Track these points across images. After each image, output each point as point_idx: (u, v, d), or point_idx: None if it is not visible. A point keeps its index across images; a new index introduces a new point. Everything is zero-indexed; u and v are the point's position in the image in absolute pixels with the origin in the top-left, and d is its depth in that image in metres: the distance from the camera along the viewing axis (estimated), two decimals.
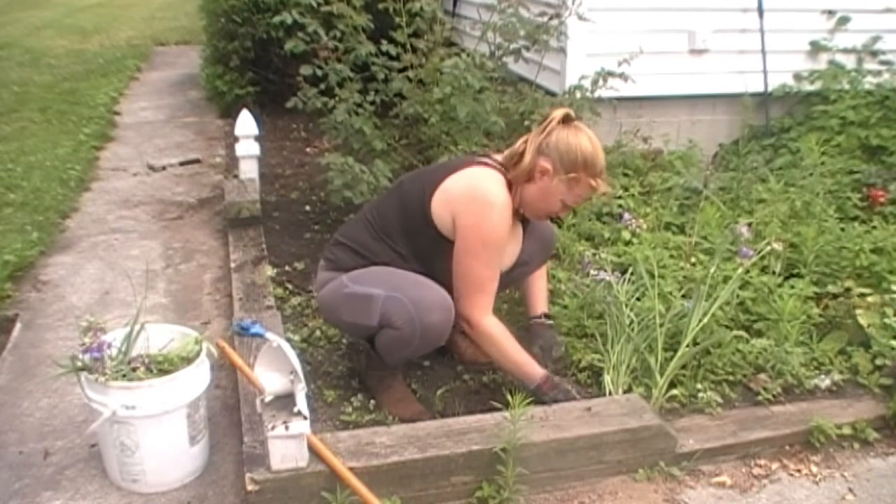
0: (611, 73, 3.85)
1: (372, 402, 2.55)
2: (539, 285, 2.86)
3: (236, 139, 4.23)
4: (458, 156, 3.39)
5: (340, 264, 2.51)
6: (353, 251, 2.50)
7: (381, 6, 3.84)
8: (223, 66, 6.14)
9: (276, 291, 3.20)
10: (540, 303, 2.84)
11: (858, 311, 2.88)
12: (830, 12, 4.82)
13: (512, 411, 2.11)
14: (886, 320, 2.81)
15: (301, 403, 2.03)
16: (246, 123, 4.14)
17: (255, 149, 4.23)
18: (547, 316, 2.84)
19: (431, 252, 2.44)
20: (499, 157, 2.52)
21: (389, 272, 2.43)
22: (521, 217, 2.55)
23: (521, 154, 2.43)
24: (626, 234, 3.57)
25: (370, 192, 3.50)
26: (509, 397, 2.12)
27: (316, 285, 2.60)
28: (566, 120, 2.43)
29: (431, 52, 3.83)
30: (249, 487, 2.00)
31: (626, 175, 4.14)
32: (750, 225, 3.23)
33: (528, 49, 3.87)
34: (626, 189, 4.01)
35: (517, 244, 2.59)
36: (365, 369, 2.63)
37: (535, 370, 2.47)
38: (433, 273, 2.40)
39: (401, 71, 3.83)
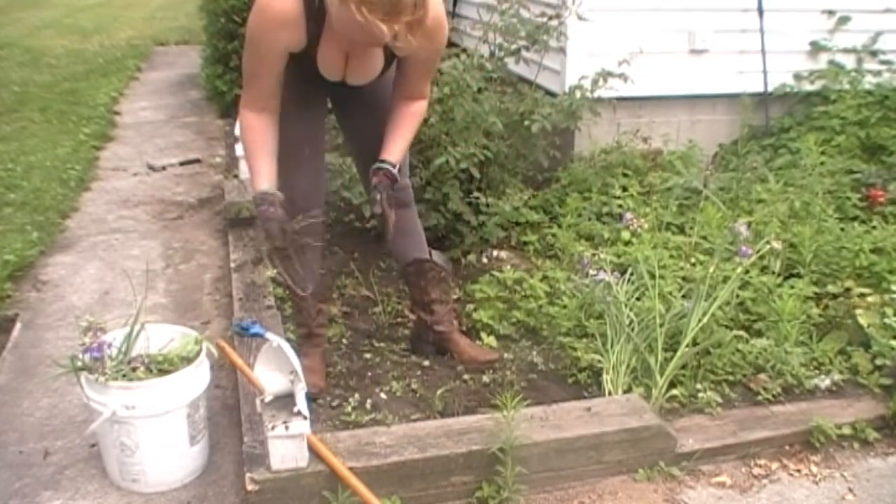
0: (611, 73, 3.84)
1: (370, 401, 2.55)
2: (394, 133, 2.42)
3: (236, 139, 4.22)
4: None
5: None
6: None
7: None
8: (223, 66, 6.14)
9: (276, 291, 3.20)
10: (387, 148, 2.42)
11: (858, 311, 2.88)
12: (830, 12, 4.82)
13: (505, 413, 2.12)
14: (886, 320, 2.81)
15: (301, 403, 2.03)
16: None
17: None
18: (392, 166, 2.39)
19: None
20: None
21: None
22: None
23: None
24: (625, 235, 3.57)
25: None
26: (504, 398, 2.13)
27: None
28: None
29: None
30: (249, 487, 2.00)
31: (625, 175, 4.14)
32: (749, 225, 3.23)
33: (528, 49, 3.87)
34: (625, 189, 4.01)
35: (363, 64, 2.34)
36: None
37: (257, 183, 2.28)
38: None
39: None
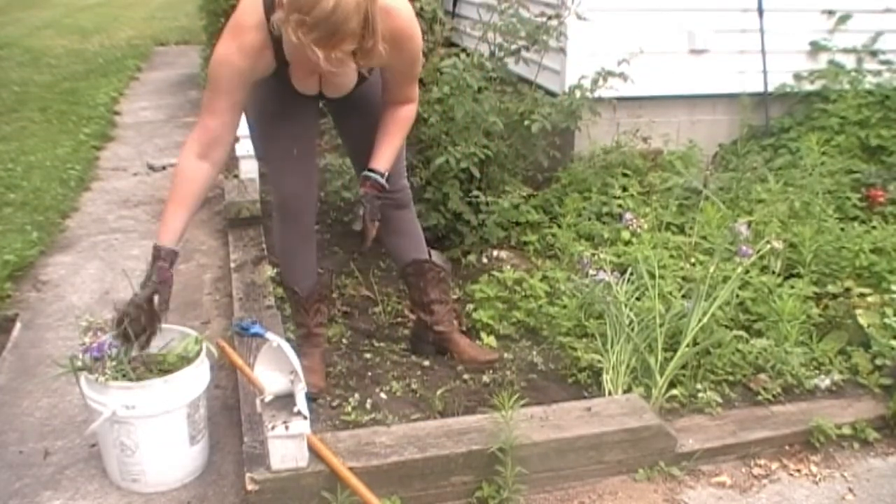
0: (611, 73, 3.84)
1: (370, 401, 2.55)
2: (382, 140, 2.41)
3: (236, 139, 4.21)
4: None
5: None
6: None
7: None
8: None
9: (276, 291, 3.20)
10: (375, 157, 2.40)
11: (858, 311, 2.88)
12: (830, 12, 4.82)
13: (504, 413, 2.11)
14: (886, 320, 2.81)
15: (301, 403, 2.03)
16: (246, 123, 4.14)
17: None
18: (382, 175, 2.39)
19: None
20: None
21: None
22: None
23: None
24: (625, 235, 3.57)
25: None
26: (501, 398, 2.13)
27: None
28: None
29: (431, 53, 3.83)
30: (249, 487, 2.00)
31: (625, 175, 4.14)
32: (749, 225, 3.23)
33: (527, 49, 3.88)
34: (625, 189, 4.01)
35: (335, 80, 2.32)
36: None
37: (163, 235, 2.20)
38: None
39: None
